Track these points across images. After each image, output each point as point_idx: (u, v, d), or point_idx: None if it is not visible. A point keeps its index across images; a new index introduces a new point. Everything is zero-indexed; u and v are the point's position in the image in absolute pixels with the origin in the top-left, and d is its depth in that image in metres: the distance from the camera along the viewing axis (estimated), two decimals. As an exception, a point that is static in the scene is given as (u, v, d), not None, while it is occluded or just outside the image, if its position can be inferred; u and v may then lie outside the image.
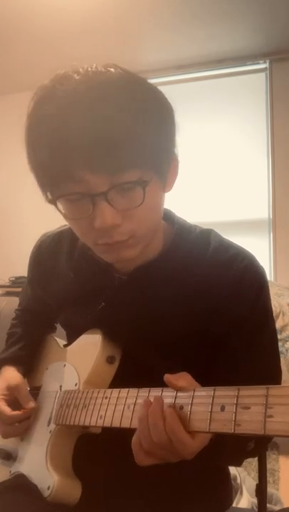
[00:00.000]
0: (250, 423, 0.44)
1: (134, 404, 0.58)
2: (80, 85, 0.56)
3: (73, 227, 0.66)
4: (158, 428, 0.52)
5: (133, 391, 0.60)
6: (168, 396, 0.55)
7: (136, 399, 0.59)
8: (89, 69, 0.58)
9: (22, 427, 0.81)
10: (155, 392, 0.57)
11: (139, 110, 0.57)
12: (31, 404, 0.81)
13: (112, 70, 0.59)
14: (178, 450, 0.52)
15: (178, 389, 0.54)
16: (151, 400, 0.55)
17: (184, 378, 0.55)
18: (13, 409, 0.81)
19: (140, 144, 0.56)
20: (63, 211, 0.63)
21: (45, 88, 0.59)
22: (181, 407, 0.52)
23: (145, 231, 0.64)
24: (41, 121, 0.58)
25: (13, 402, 0.83)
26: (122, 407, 0.60)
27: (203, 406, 0.49)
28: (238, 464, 0.75)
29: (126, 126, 0.55)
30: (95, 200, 0.58)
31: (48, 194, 0.62)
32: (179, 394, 0.54)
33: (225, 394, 0.48)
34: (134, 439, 0.56)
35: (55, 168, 0.58)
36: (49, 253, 0.84)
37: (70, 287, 0.79)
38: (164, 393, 0.56)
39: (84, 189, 0.58)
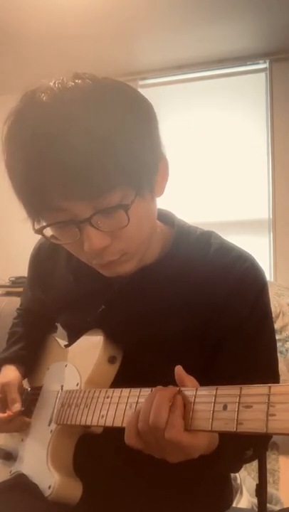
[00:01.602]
0: (252, 422, 0.44)
1: (136, 404, 0.58)
2: (47, 109, 0.53)
3: (66, 248, 0.66)
4: (160, 409, 0.51)
5: (135, 390, 0.60)
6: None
7: (138, 398, 0.58)
8: (56, 85, 0.55)
9: (12, 427, 0.81)
10: None
11: (113, 127, 0.54)
12: (16, 407, 0.80)
13: (80, 82, 0.55)
14: (166, 443, 0.50)
15: (182, 385, 0.54)
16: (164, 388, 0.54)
17: (190, 379, 0.55)
18: (4, 405, 0.81)
19: (118, 164, 0.54)
20: (53, 235, 0.62)
21: (16, 113, 0.56)
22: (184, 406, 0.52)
23: (136, 246, 0.63)
24: (15, 149, 0.56)
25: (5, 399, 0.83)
26: (123, 407, 0.60)
27: (205, 405, 0.49)
28: (235, 471, 0.75)
29: (100, 148, 0.52)
30: (80, 226, 0.57)
31: (35, 224, 0.61)
32: (182, 393, 0.53)
33: (227, 393, 0.48)
34: (133, 416, 0.55)
35: (34, 199, 0.57)
36: (48, 255, 0.84)
37: (70, 290, 0.79)
38: None
39: (67, 217, 0.57)
